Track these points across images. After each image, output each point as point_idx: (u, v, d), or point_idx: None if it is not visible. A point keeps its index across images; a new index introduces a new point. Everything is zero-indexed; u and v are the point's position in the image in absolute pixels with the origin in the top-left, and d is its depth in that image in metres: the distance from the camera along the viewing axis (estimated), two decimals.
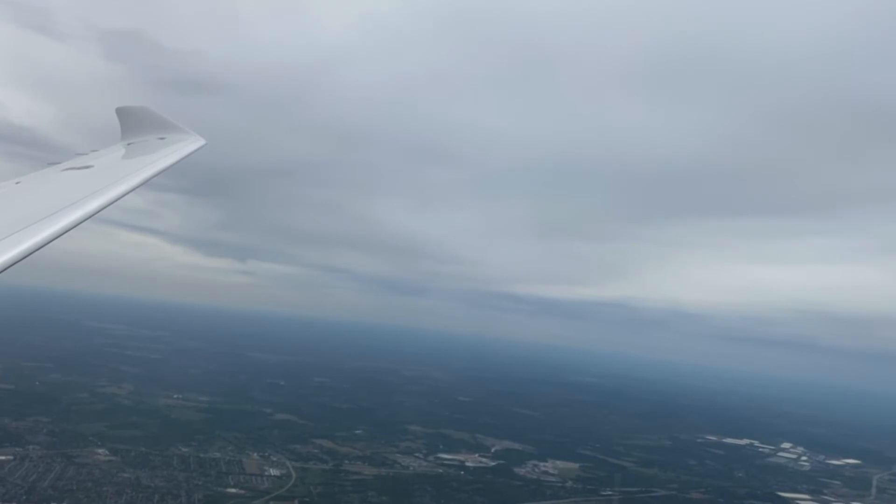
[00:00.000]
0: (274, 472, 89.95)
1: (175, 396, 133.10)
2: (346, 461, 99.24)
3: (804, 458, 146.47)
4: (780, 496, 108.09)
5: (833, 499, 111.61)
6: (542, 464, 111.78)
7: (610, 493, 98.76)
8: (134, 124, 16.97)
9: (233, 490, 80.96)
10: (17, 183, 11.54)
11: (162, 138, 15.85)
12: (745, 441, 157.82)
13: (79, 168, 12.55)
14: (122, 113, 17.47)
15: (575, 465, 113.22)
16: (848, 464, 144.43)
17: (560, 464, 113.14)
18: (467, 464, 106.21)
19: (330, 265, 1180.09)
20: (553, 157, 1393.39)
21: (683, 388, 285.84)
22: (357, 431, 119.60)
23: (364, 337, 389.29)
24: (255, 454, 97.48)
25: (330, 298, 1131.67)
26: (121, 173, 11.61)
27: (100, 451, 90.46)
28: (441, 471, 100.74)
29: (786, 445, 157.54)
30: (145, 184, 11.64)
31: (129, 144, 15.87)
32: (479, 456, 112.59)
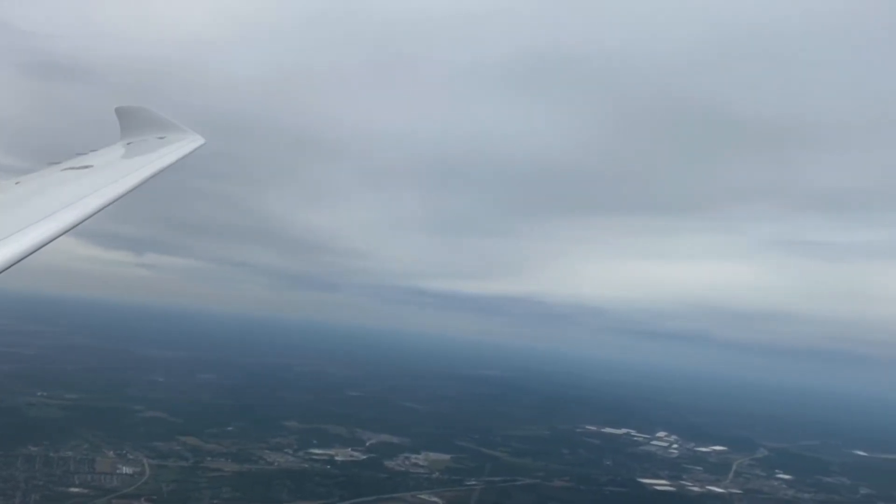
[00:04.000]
0: (127, 470, 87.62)
1: (39, 394, 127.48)
2: (209, 458, 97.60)
3: (675, 446, 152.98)
4: (639, 482, 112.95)
5: (689, 483, 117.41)
6: (413, 456, 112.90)
7: (474, 482, 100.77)
8: (133, 124, 16.98)
9: (76, 489, 78.50)
10: (16, 183, 11.49)
11: (161, 138, 15.89)
12: (622, 430, 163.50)
13: (78, 168, 12.45)
14: (121, 113, 17.38)
15: (447, 457, 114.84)
16: (714, 450, 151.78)
17: (433, 455, 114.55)
18: (337, 458, 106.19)
19: (230, 258, 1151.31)
20: (437, 155, 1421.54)
21: (579, 380, 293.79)
22: (229, 428, 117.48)
23: (265, 332, 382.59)
24: (112, 452, 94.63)
25: (233, 292, 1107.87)
26: (120, 173, 11.74)
27: None
28: (307, 465, 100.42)
29: (661, 434, 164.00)
30: (145, 183, 11.64)
31: (128, 144, 15.88)
32: (352, 450, 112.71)
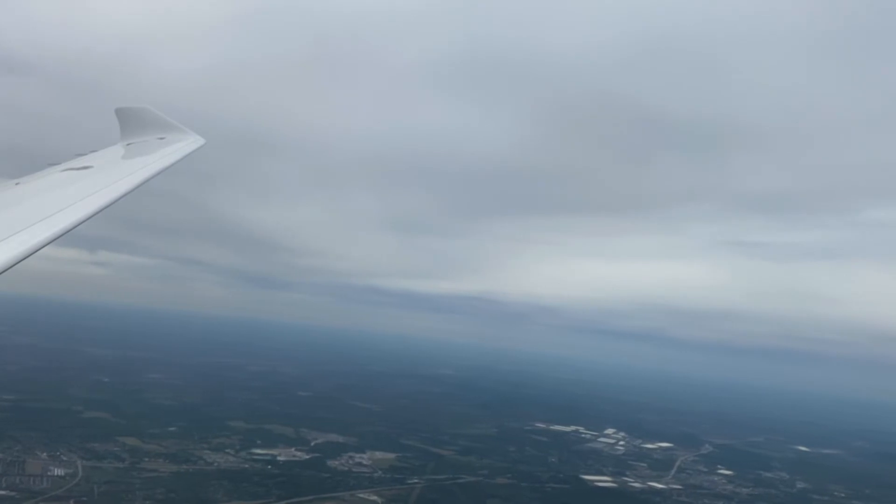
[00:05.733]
0: (59, 471, 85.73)
1: None
2: (146, 459, 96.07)
3: (621, 443, 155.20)
4: (581, 479, 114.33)
5: (632, 479, 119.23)
6: (358, 455, 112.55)
7: (416, 481, 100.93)
8: (133, 124, 16.85)
9: (2, 492, 76.59)
10: (16, 184, 11.45)
11: (161, 138, 15.88)
12: (571, 428, 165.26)
13: (78, 168, 12.43)
14: (121, 113, 17.21)
15: (392, 456, 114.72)
16: (660, 447, 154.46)
17: (378, 454, 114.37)
18: (279, 458, 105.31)
19: (185, 257, 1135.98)
20: (383, 153, 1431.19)
21: (533, 379, 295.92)
22: (171, 429, 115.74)
23: (218, 331, 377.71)
24: (45, 454, 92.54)
25: (191, 291, 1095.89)
26: (120, 174, 11.71)
27: None
28: (247, 466, 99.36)
29: (609, 431, 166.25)
30: (145, 184, 11.60)
31: (128, 145, 15.82)
32: (296, 450, 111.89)
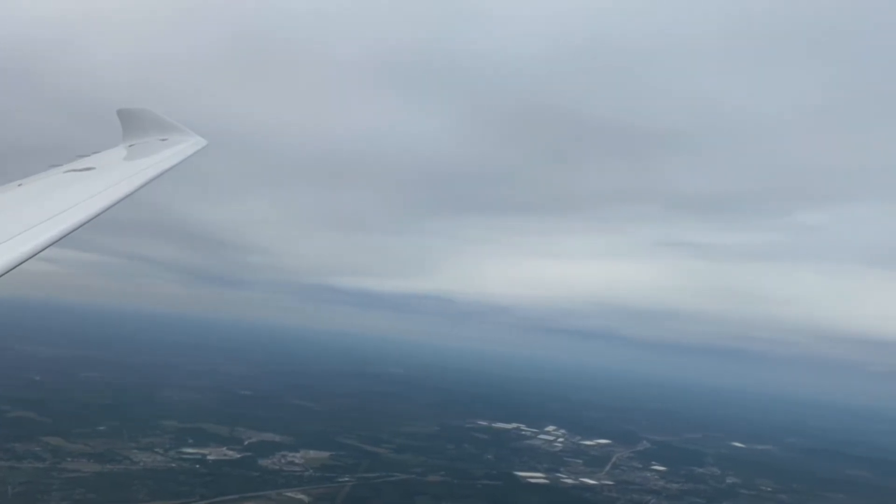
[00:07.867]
0: None
1: None
2: (69, 459, 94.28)
3: (560, 440, 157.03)
4: (514, 475, 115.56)
5: (565, 475, 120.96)
6: (291, 454, 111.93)
7: (347, 479, 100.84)
8: (135, 126, 16.85)
9: None
10: (19, 185, 11.46)
11: (163, 140, 15.91)
12: (512, 425, 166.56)
13: (80, 170, 12.41)
14: (123, 115, 17.20)
15: (325, 454, 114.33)
16: (598, 444, 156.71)
17: (312, 453, 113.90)
18: (209, 457, 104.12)
19: (133, 253, 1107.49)
20: (327, 152, 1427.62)
21: (485, 377, 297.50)
22: (100, 428, 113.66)
23: (165, 329, 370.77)
24: None
25: (142, 288, 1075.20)
26: (123, 175, 11.81)
27: None
28: (175, 465, 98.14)
29: (549, 428, 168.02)
30: (147, 185, 11.65)
31: (130, 146, 15.89)
32: (227, 449, 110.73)
